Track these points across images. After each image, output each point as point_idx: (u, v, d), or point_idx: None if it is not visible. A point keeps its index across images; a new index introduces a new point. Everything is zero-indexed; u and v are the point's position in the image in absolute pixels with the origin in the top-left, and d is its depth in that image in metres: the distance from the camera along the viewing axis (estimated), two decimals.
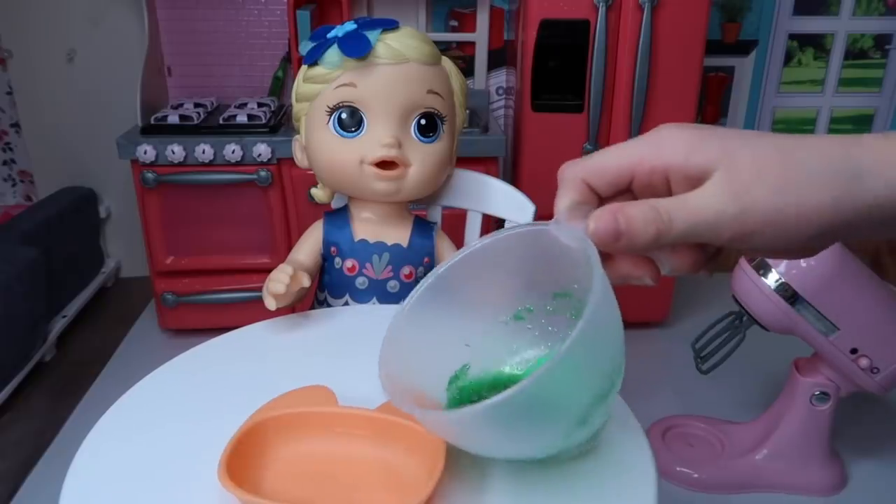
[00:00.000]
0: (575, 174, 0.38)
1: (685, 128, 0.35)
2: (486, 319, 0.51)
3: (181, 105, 1.76)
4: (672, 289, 1.81)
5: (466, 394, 0.51)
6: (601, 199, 0.38)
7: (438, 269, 0.47)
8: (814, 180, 0.32)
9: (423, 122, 0.82)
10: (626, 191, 0.37)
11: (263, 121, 1.64)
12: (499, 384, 0.51)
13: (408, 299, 0.47)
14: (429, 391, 0.49)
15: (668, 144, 0.35)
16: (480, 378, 0.52)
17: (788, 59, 2.04)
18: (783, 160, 0.32)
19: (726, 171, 0.33)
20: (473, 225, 0.99)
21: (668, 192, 0.36)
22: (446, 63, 0.86)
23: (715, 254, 0.37)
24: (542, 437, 0.45)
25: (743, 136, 0.34)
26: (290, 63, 1.88)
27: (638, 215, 0.34)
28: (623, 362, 0.44)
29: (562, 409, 0.42)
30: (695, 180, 0.34)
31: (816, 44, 2.04)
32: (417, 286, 0.47)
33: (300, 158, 0.90)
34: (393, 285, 0.86)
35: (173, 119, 1.65)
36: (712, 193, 0.33)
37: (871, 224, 0.32)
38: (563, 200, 0.39)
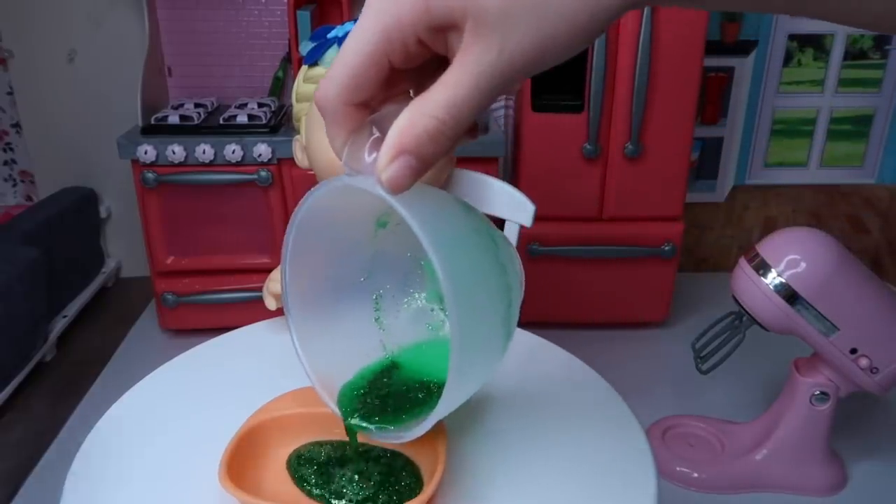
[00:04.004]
0: (336, 104, 0.34)
1: None
2: (360, 249, 0.50)
3: (181, 105, 1.76)
4: (672, 289, 1.81)
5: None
6: (374, 107, 0.35)
7: (287, 244, 0.45)
8: (565, 1, 0.30)
9: None
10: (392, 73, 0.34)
11: (264, 121, 1.64)
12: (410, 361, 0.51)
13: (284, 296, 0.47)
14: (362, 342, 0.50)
15: (402, 3, 0.31)
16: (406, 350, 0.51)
17: (788, 59, 2.04)
18: None
19: (475, 24, 0.30)
20: None
21: (430, 50, 0.33)
22: None
23: None
24: (492, 367, 0.44)
25: None
26: (290, 63, 1.88)
27: (422, 138, 0.32)
28: (496, 248, 0.43)
29: (489, 339, 0.42)
30: (446, 29, 0.31)
31: (816, 44, 2.04)
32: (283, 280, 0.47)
33: (300, 158, 0.89)
34: None
35: (174, 119, 1.65)
36: (474, 56, 0.31)
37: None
38: (337, 140, 0.36)
